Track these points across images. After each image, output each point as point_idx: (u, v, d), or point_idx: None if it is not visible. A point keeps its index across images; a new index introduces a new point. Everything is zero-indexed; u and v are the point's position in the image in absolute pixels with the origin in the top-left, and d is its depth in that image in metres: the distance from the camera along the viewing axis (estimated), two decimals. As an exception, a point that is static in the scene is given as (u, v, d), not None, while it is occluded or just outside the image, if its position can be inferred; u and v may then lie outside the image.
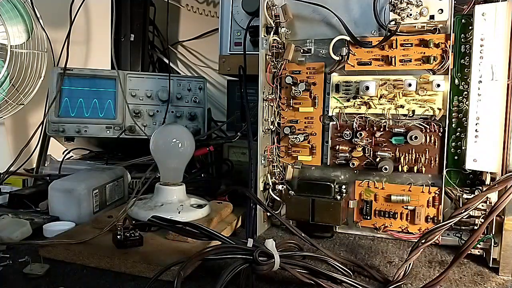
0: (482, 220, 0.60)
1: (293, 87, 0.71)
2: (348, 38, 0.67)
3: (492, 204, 0.59)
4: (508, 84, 0.57)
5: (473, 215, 0.60)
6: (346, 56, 0.67)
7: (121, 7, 1.22)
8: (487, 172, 0.60)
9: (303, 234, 0.62)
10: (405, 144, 0.65)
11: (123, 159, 1.02)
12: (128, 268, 0.55)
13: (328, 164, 0.71)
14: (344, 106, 0.69)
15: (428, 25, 0.63)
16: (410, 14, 0.62)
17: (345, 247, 0.66)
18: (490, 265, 0.58)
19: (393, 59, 0.65)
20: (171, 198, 0.72)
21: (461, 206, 0.54)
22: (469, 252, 0.60)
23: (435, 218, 0.65)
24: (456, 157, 0.64)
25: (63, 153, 1.09)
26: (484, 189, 0.57)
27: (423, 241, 0.53)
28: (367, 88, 0.65)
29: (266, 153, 0.72)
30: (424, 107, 0.65)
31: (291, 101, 0.72)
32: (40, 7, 1.13)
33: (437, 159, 0.64)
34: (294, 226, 0.65)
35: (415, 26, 0.64)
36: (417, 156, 0.65)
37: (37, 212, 0.78)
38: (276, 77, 0.72)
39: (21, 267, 0.54)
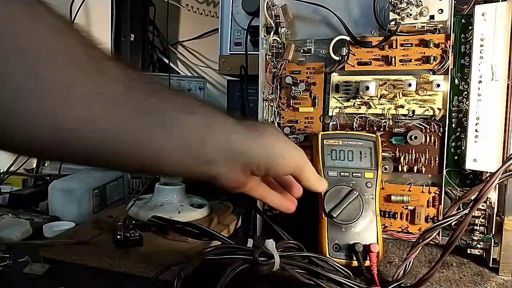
0: (482, 219, 0.60)
1: (293, 87, 0.70)
2: (348, 38, 0.67)
3: (492, 204, 0.59)
4: (508, 84, 0.57)
5: (473, 215, 0.60)
6: (346, 56, 0.67)
7: (121, 7, 1.22)
8: (487, 172, 0.60)
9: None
10: (405, 144, 0.65)
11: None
12: (128, 268, 0.55)
13: (328, 164, 0.71)
14: (344, 106, 0.69)
15: (428, 25, 0.63)
16: (410, 14, 0.62)
17: (345, 247, 0.66)
18: (490, 265, 0.58)
19: (393, 59, 0.65)
20: (171, 198, 0.72)
21: (460, 206, 0.54)
22: (469, 252, 0.61)
23: (435, 218, 0.65)
24: (456, 157, 0.64)
25: (63, 153, 1.09)
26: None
27: (420, 240, 0.53)
28: (367, 88, 0.65)
29: (266, 153, 0.72)
30: (424, 107, 0.65)
31: (291, 101, 0.72)
32: (40, 7, 1.13)
33: (437, 159, 0.64)
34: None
35: (415, 26, 0.64)
36: (417, 156, 0.65)
37: (37, 212, 0.78)
38: (276, 77, 0.72)
39: (21, 267, 0.54)
